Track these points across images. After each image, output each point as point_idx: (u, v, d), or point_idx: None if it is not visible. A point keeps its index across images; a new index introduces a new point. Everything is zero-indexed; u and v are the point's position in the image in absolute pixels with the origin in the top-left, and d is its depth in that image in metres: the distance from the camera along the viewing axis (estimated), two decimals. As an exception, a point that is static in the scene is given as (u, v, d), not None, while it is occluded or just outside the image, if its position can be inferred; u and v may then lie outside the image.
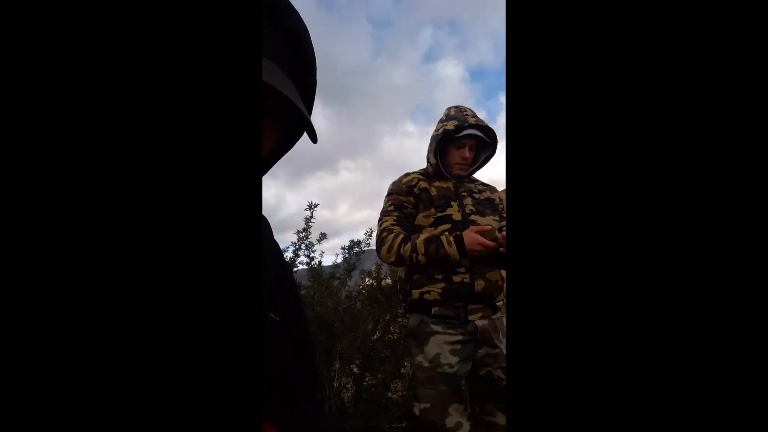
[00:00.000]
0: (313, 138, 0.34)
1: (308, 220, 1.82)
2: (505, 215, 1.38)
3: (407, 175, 1.35)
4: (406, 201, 1.29)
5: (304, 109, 0.32)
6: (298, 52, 0.35)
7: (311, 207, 1.80)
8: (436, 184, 1.31)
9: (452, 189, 1.30)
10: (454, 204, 1.27)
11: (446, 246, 1.17)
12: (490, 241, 1.14)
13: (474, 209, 1.28)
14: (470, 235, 1.15)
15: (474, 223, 1.26)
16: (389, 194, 1.33)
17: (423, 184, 1.30)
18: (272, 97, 0.30)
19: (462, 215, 1.26)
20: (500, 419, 1.18)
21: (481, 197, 1.33)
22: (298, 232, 1.84)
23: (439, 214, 1.25)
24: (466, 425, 1.12)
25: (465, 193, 1.31)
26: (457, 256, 1.16)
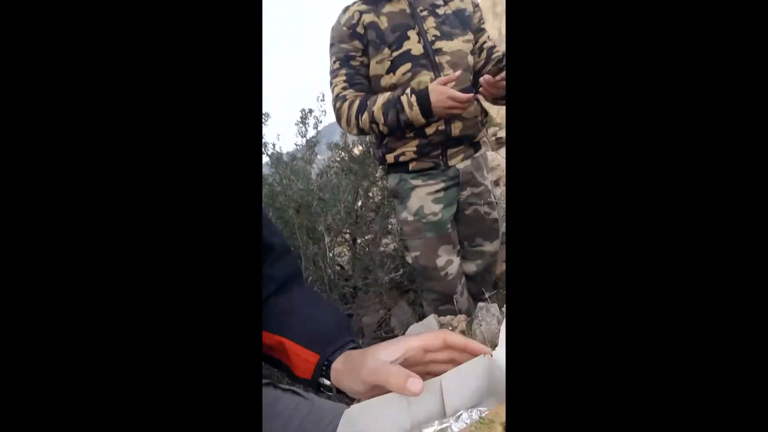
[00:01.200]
0: None
1: None
2: (483, 27, 1.12)
3: (345, 10, 1.05)
4: (352, 49, 1.04)
5: None
6: None
7: None
8: (386, 10, 1.03)
9: (407, 11, 1.02)
10: (412, 33, 1.02)
11: (407, 109, 0.96)
12: (464, 94, 0.91)
13: (438, 33, 1.03)
14: (438, 89, 0.92)
15: (440, 52, 1.03)
16: (331, 45, 1.07)
17: (368, 18, 1.02)
18: None
19: (424, 45, 1.02)
20: (488, 247, 1.27)
21: (447, 11, 1.05)
22: None
23: (395, 54, 1.02)
24: (456, 260, 1.20)
25: (425, 12, 1.04)
26: (423, 121, 0.97)
